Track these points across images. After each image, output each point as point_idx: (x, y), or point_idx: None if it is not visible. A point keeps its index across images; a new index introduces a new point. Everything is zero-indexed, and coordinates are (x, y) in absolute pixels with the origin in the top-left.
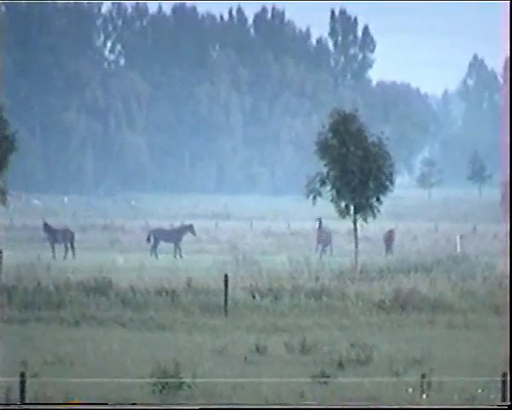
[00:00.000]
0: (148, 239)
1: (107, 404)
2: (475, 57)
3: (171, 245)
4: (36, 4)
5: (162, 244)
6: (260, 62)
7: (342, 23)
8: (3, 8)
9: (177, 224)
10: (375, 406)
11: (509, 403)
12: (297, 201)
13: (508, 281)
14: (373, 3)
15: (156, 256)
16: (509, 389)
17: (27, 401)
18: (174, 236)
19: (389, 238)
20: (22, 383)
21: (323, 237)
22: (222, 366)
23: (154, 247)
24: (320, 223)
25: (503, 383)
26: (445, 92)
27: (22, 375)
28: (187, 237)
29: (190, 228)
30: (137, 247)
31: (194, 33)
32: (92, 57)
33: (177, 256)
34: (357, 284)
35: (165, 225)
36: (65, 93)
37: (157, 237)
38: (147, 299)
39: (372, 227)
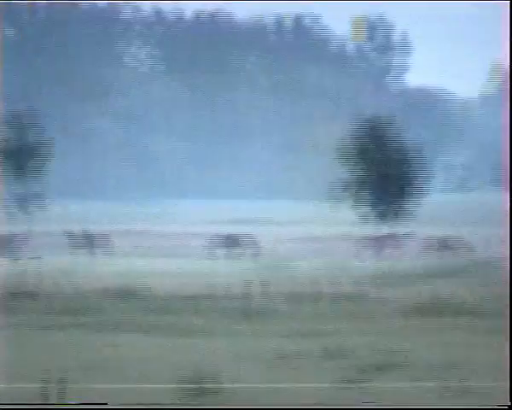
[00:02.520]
0: (209, 245)
1: (106, 404)
2: None
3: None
4: (68, 9)
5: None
6: (282, 68)
7: (381, 28)
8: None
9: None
10: (375, 406)
11: (510, 403)
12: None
13: None
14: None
15: (217, 261)
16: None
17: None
18: (233, 242)
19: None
20: (60, 388)
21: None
22: (245, 371)
23: (213, 252)
24: None
25: None
26: (482, 96)
27: (59, 381)
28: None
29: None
30: (161, 252)
31: (215, 39)
32: (121, 63)
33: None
34: (381, 288)
35: None
36: (97, 99)
37: (217, 242)
38: (169, 304)
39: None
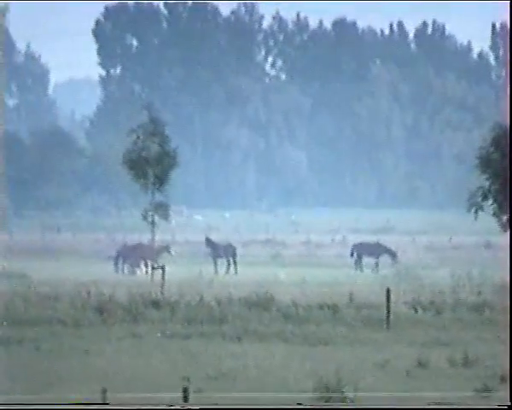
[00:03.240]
0: (352, 254)
1: (108, 404)
2: None
3: (339, 259)
4: (197, 21)
5: (329, 258)
6: (421, 77)
7: (503, 36)
8: (165, 24)
9: (353, 238)
10: (375, 406)
11: (509, 403)
12: (458, 215)
13: None
14: None
15: (361, 270)
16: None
17: None
18: (376, 250)
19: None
20: (185, 397)
21: None
22: (383, 380)
23: (358, 261)
24: None
25: None
26: None
27: (185, 390)
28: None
29: (389, 251)
30: (298, 261)
31: (355, 48)
32: (253, 72)
33: (374, 271)
34: None
35: (366, 239)
36: (226, 108)
37: (360, 251)
38: (308, 313)
39: None
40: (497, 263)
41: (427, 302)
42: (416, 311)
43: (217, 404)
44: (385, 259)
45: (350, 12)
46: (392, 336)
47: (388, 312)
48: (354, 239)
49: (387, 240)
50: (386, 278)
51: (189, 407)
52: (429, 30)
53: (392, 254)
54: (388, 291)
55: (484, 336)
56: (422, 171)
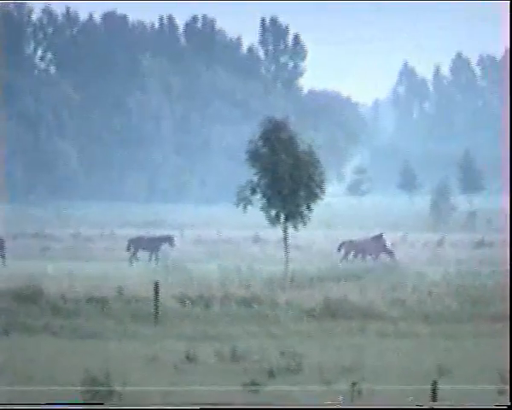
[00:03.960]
0: (128, 248)
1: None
2: (405, 65)
3: (108, 253)
4: None
5: (98, 251)
6: (191, 71)
7: (273, 31)
8: None
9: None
10: (375, 406)
11: (509, 403)
12: (228, 209)
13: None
14: (304, 13)
15: (132, 263)
16: (508, 390)
17: None
18: (153, 244)
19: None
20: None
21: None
22: (152, 374)
23: (133, 255)
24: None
25: (433, 391)
26: (376, 100)
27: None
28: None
29: (170, 239)
30: (68, 254)
31: (125, 41)
32: (22, 65)
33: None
34: (287, 292)
35: (143, 233)
36: None
37: (136, 245)
38: (77, 307)
39: (302, 235)
40: (266, 257)
41: (196, 296)
42: (184, 305)
43: None
44: (163, 250)
45: (120, 6)
46: (161, 331)
47: (157, 306)
48: (124, 233)
49: (157, 233)
50: (156, 271)
51: (190, 407)
52: (199, 24)
53: (172, 245)
54: (157, 285)
55: (252, 330)
56: (192, 165)
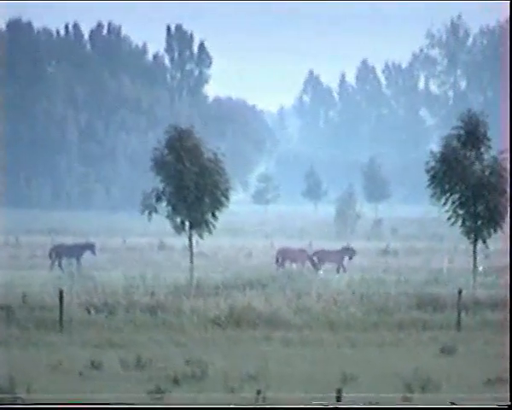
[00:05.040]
0: (50, 255)
1: (108, 404)
2: (311, 73)
3: (13, 261)
4: None
5: (2, 260)
6: (96, 78)
7: (178, 39)
8: None
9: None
10: (375, 406)
11: (509, 403)
12: (133, 217)
13: None
14: (209, 21)
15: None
16: (508, 390)
17: None
18: (76, 251)
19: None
20: None
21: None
22: (57, 381)
23: (55, 262)
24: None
25: (338, 399)
26: (281, 108)
27: None
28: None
29: (91, 247)
30: None
31: (30, 49)
32: None
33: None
34: (192, 299)
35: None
36: None
37: (59, 252)
38: None
39: (208, 243)
40: (171, 264)
41: (101, 304)
42: (89, 312)
43: None
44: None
45: (25, 12)
46: (66, 338)
47: (61, 313)
48: (29, 240)
49: (58, 240)
50: (60, 278)
51: (190, 407)
52: (105, 31)
53: (94, 252)
54: (61, 292)
55: (157, 337)
56: (97, 173)
